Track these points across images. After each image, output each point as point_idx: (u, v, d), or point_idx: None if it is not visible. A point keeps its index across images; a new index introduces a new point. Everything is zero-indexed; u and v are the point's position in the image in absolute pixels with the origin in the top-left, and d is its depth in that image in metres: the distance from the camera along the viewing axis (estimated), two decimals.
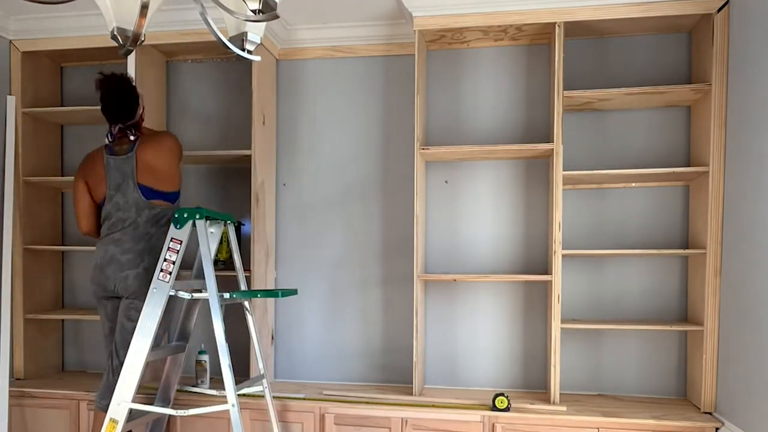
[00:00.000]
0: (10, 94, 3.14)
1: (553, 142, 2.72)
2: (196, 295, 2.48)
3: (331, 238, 3.20)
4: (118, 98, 2.57)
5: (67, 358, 3.47)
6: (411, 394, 2.89)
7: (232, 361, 2.37)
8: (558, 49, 2.69)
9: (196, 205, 2.47)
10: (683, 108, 2.89)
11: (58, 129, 3.43)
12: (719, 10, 2.55)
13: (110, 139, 2.61)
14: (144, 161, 2.55)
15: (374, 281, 3.17)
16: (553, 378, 2.73)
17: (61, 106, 3.39)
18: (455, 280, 2.95)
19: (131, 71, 2.99)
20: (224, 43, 1.32)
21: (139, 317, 2.37)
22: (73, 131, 3.44)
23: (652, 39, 2.89)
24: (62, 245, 3.41)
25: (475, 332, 3.08)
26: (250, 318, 2.65)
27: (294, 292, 2.57)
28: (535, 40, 2.96)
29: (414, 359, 2.86)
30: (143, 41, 1.37)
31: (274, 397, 2.74)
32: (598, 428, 2.58)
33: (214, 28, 1.25)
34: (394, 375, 3.14)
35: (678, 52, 2.88)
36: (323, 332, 3.23)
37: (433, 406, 2.74)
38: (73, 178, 3.21)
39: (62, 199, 3.46)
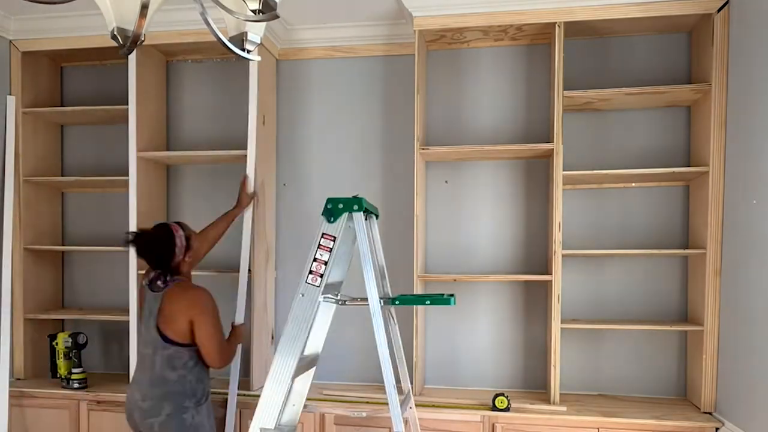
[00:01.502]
0: (10, 94, 3.14)
1: (553, 142, 2.72)
2: (351, 303, 2.16)
3: None
4: (152, 253, 2.42)
5: None
6: None
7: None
8: (558, 49, 2.69)
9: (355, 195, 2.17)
10: (683, 108, 2.89)
11: (58, 129, 3.43)
12: (719, 10, 2.55)
13: (146, 282, 2.47)
14: (166, 308, 2.36)
15: None
16: (553, 378, 2.73)
17: (61, 106, 3.39)
18: (455, 279, 2.95)
19: (131, 71, 2.98)
20: (224, 43, 1.32)
21: None
22: (73, 131, 3.44)
23: (652, 39, 2.89)
24: (62, 245, 3.42)
25: (475, 332, 3.08)
26: (396, 326, 2.39)
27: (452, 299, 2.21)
28: (535, 40, 2.96)
29: (414, 359, 2.86)
30: (143, 41, 1.37)
31: None
32: (598, 428, 2.58)
33: (214, 28, 1.25)
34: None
35: (678, 52, 2.88)
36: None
37: (433, 406, 2.74)
38: (73, 178, 3.23)
39: (62, 199, 3.46)
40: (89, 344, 3.19)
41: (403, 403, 2.22)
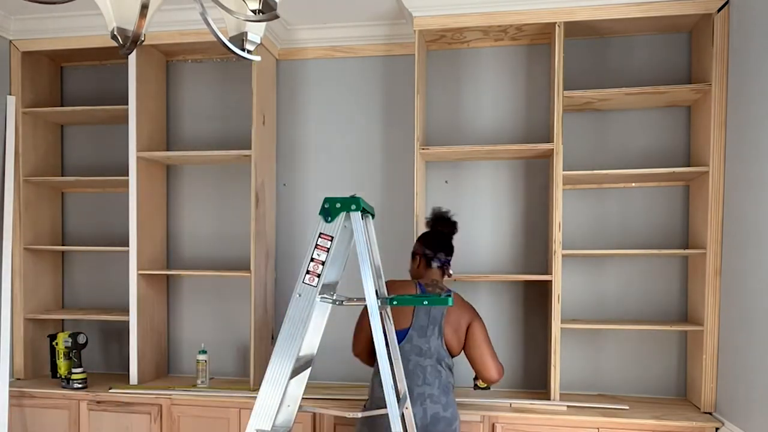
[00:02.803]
0: (10, 94, 3.14)
1: (553, 142, 2.72)
2: (348, 303, 2.12)
3: None
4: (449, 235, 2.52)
5: None
6: None
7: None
8: (558, 49, 2.69)
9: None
10: (683, 108, 2.89)
11: (58, 129, 3.43)
12: (719, 10, 2.55)
13: (439, 264, 2.45)
14: (452, 315, 2.37)
15: None
16: (553, 378, 2.73)
17: (61, 106, 3.39)
18: (455, 279, 2.94)
19: (131, 71, 2.99)
20: (224, 43, 1.32)
21: None
22: (73, 131, 3.44)
23: (652, 39, 2.89)
24: (62, 245, 3.41)
25: None
26: (392, 326, 2.33)
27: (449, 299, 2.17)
28: (535, 40, 2.96)
29: None
30: (143, 41, 1.37)
31: None
32: (598, 428, 2.58)
33: (214, 28, 1.25)
34: None
35: (678, 52, 2.87)
36: (323, 332, 3.22)
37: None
38: (73, 178, 3.23)
39: (62, 199, 3.45)
40: (89, 344, 3.20)
41: (400, 404, 2.21)
